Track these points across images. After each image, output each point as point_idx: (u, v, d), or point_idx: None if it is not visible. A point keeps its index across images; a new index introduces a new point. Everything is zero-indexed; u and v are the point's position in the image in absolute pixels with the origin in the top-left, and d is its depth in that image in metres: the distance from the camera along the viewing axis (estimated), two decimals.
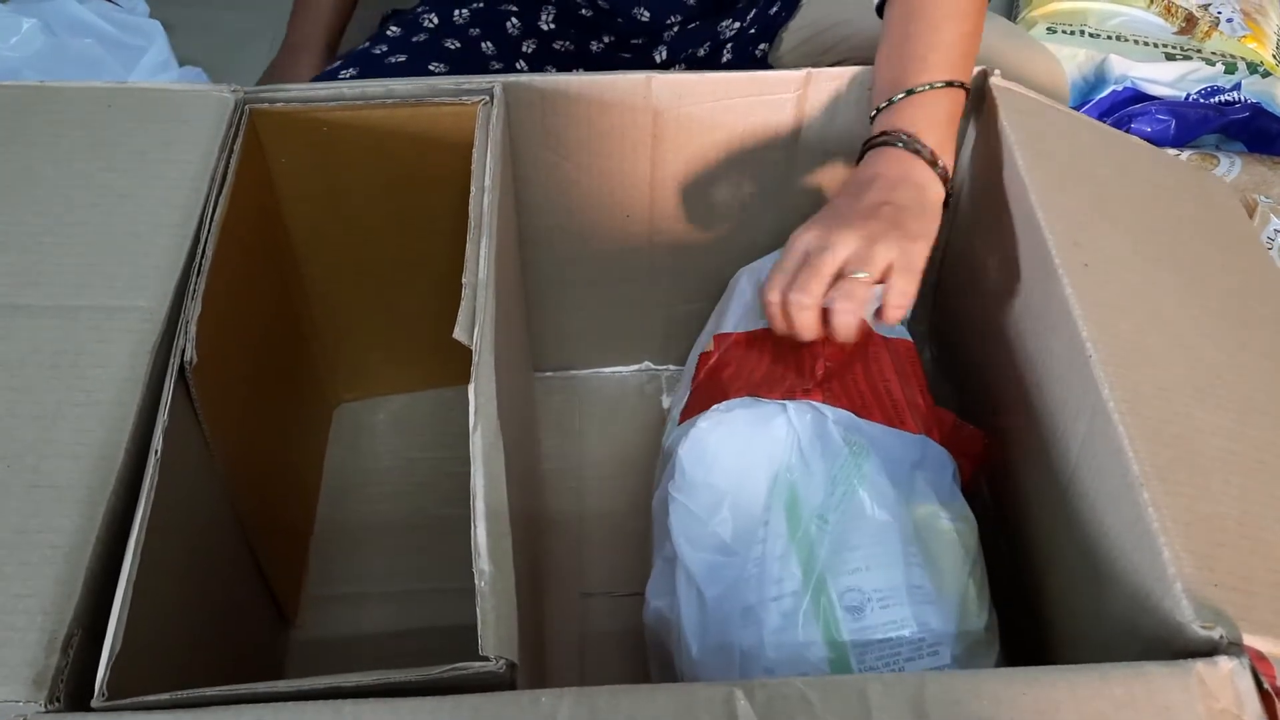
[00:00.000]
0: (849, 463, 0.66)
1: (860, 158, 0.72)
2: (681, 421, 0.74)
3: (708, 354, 0.79)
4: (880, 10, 0.78)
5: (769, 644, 0.63)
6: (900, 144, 0.69)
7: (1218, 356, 0.62)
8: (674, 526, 0.68)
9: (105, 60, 1.54)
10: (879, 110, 0.72)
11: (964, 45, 0.73)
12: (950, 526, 0.66)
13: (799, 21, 0.94)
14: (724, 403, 0.70)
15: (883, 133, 0.70)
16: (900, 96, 0.70)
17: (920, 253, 0.65)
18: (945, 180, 0.69)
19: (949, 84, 0.71)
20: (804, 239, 0.66)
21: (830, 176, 0.85)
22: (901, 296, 0.64)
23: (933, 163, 0.69)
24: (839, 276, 0.64)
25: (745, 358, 0.75)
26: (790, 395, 0.69)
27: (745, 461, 0.67)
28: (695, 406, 0.74)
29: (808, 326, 0.65)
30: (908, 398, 0.71)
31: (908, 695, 0.45)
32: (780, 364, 0.72)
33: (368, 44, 0.95)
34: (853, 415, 0.68)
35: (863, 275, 0.63)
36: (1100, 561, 0.58)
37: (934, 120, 0.70)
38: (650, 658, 0.74)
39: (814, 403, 0.68)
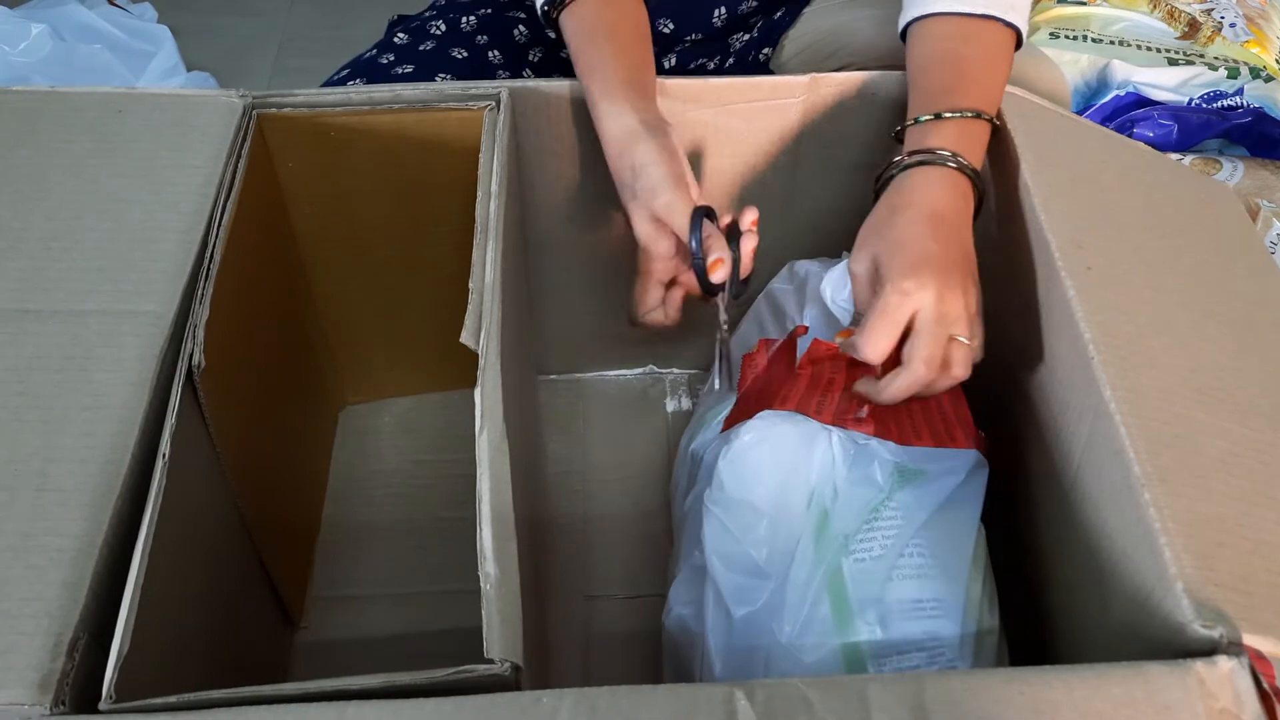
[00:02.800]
0: (883, 496, 0.66)
1: (908, 163, 0.70)
2: (726, 429, 0.73)
3: (751, 355, 0.78)
4: (903, 35, 0.79)
5: (788, 656, 0.63)
6: (969, 173, 0.69)
7: (1219, 359, 0.62)
8: (708, 541, 0.67)
9: (114, 66, 1.55)
10: (937, 117, 0.71)
11: (1002, 87, 0.75)
12: (971, 538, 0.67)
13: (800, 29, 0.95)
14: (767, 413, 0.68)
15: (955, 154, 0.69)
16: (970, 115, 0.71)
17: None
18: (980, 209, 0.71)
19: (990, 119, 0.72)
20: (918, 297, 0.64)
21: (835, 180, 0.85)
22: (981, 353, 0.68)
23: (983, 196, 0.71)
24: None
25: (774, 369, 0.74)
26: (841, 421, 0.67)
27: (786, 482, 0.66)
28: (741, 414, 0.73)
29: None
30: (958, 413, 0.71)
31: (907, 695, 0.45)
32: (832, 380, 0.71)
33: (374, 52, 0.95)
34: (896, 445, 0.67)
35: (969, 343, 0.66)
36: (1102, 561, 0.58)
37: (981, 148, 0.72)
38: (666, 659, 0.74)
39: (860, 435, 0.67)
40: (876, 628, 0.62)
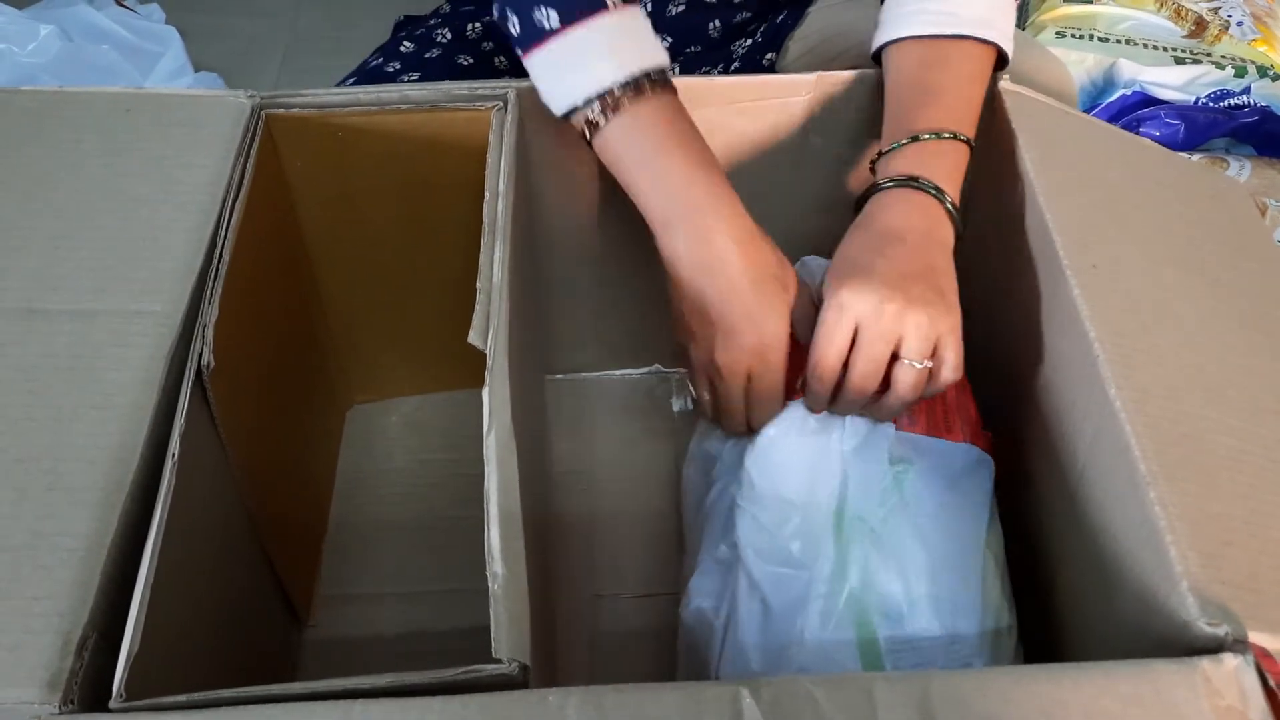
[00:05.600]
0: (891, 479, 0.66)
1: (873, 190, 0.70)
2: None
3: None
4: (876, 57, 0.78)
5: (807, 649, 0.63)
6: (931, 191, 0.68)
7: (1227, 356, 0.62)
8: (742, 537, 0.68)
9: (121, 66, 1.56)
10: (900, 145, 0.70)
11: (977, 107, 0.73)
12: (985, 536, 0.67)
13: (804, 30, 0.94)
14: (787, 406, 0.69)
15: (912, 176, 0.68)
16: (928, 137, 0.70)
17: (960, 322, 0.66)
18: (959, 234, 0.69)
19: (965, 139, 0.71)
20: (855, 308, 0.63)
21: (840, 180, 0.85)
22: (954, 372, 0.65)
23: (954, 214, 0.69)
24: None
25: (796, 358, 0.74)
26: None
27: (813, 473, 0.67)
28: None
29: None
30: (959, 403, 0.71)
31: (914, 694, 0.46)
32: None
33: (380, 59, 0.95)
34: (898, 430, 0.68)
35: (920, 365, 0.64)
36: (1108, 560, 0.58)
37: (953, 169, 0.70)
38: (682, 650, 0.74)
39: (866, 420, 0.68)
40: (892, 623, 0.63)
